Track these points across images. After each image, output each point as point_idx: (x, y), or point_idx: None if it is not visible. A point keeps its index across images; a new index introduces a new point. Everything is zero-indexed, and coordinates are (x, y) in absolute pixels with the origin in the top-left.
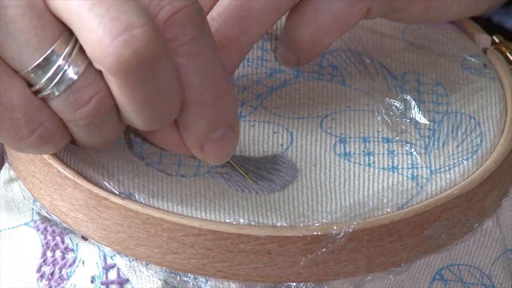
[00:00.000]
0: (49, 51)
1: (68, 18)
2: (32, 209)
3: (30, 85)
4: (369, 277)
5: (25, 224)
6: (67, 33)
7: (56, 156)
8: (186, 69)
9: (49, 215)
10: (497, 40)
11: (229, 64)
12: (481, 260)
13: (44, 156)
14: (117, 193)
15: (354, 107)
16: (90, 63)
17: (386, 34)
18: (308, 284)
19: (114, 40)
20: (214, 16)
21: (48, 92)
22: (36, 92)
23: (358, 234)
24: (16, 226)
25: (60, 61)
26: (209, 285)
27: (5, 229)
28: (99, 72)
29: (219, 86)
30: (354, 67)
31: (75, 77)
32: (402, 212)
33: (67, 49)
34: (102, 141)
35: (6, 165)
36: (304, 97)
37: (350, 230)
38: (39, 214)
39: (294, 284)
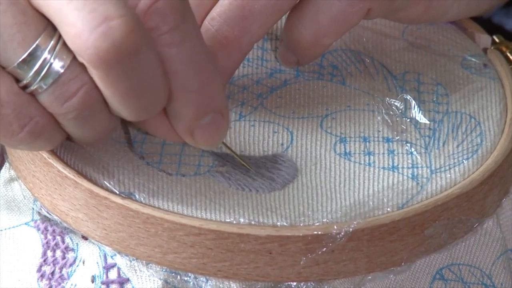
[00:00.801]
0: (33, 46)
1: (48, 12)
2: (33, 208)
3: (17, 80)
4: (370, 277)
5: (25, 223)
6: (51, 27)
7: (57, 155)
8: (170, 58)
9: (50, 214)
10: (497, 40)
11: (230, 64)
12: (481, 259)
13: (44, 155)
14: (118, 192)
15: (354, 107)
16: (75, 56)
17: (386, 34)
18: (309, 284)
19: (92, 32)
20: (215, 16)
21: (35, 87)
22: (24, 87)
23: (358, 233)
24: (17, 226)
25: (45, 55)
26: (210, 284)
27: (5, 229)
28: (84, 66)
29: (204, 73)
30: (354, 67)
31: (61, 71)
32: (403, 211)
33: (51, 43)
34: (96, 135)
35: (7, 164)
36: (304, 97)
37: (351, 229)
38: (39, 213)
39: (295, 283)
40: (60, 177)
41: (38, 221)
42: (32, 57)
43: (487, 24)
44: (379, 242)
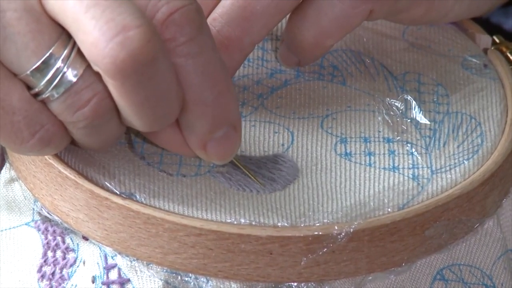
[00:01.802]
0: (47, 54)
1: (64, 21)
2: (33, 209)
3: (29, 88)
4: (370, 277)
5: (26, 224)
6: (65, 36)
7: (57, 156)
8: (185, 70)
9: (50, 215)
10: (497, 40)
11: (231, 64)
12: (482, 260)
13: (45, 156)
14: (118, 193)
15: (354, 107)
16: (88, 65)
17: (386, 34)
18: (309, 284)
19: (109, 41)
20: (216, 17)
21: (47, 95)
22: (36, 95)
23: (359, 234)
24: (17, 226)
25: (58, 64)
26: (210, 285)
27: (5, 229)
28: (98, 74)
29: (219, 85)
30: (354, 67)
31: (74, 80)
32: (403, 212)
33: (65, 52)
34: (103, 142)
35: (7, 165)
36: (305, 97)
37: (351, 230)
38: (40, 214)
39: (295, 284)
40: (61, 177)
41: (39, 222)
42: (45, 65)
43: (485, 24)
44: (380, 243)
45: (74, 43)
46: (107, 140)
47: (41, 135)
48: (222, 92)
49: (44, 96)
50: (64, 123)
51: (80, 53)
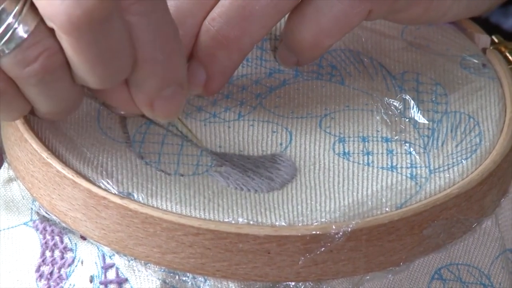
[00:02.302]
0: None
1: None
2: (31, 208)
3: None
4: (368, 277)
5: (24, 224)
6: None
7: (55, 155)
8: (138, 28)
9: (48, 214)
10: (496, 40)
11: (230, 64)
12: (480, 259)
13: (43, 155)
14: (116, 192)
15: (353, 107)
16: (40, 21)
17: (385, 34)
18: (307, 284)
19: None
20: (215, 16)
21: None
22: None
23: (357, 233)
24: (15, 226)
25: (9, 20)
26: (208, 284)
27: (4, 229)
28: (50, 30)
29: (170, 44)
30: (353, 67)
31: (25, 36)
32: (401, 211)
33: (17, 8)
34: (59, 105)
35: (5, 164)
36: (303, 97)
37: (349, 229)
38: (38, 213)
39: (293, 283)
40: (58, 177)
41: (37, 221)
42: None
43: (484, 23)
44: (378, 242)
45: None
46: (63, 103)
47: None
48: (172, 51)
49: None
50: (16, 81)
51: (31, 8)
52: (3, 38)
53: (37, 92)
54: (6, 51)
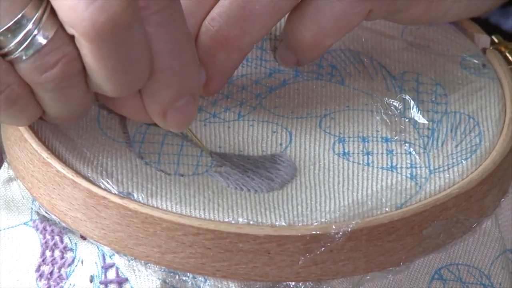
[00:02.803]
0: (19, 15)
1: None
2: (31, 208)
3: None
4: (368, 277)
5: (24, 223)
6: None
7: (55, 155)
8: (156, 38)
9: (48, 214)
10: (496, 40)
11: (230, 64)
12: (480, 260)
13: (43, 155)
14: (116, 192)
15: (353, 107)
16: (59, 28)
17: (385, 34)
18: (307, 284)
19: (90, 5)
20: (215, 16)
21: (16, 56)
22: (4, 55)
23: (357, 233)
24: (15, 226)
25: (30, 26)
26: (208, 284)
27: (4, 229)
28: (69, 37)
29: (187, 55)
30: (353, 67)
31: (44, 42)
32: (401, 211)
33: (37, 14)
34: (71, 111)
35: (5, 164)
36: (303, 97)
37: (349, 229)
38: (38, 213)
39: (293, 283)
40: (58, 177)
41: (37, 221)
42: (17, 26)
43: (484, 24)
44: (378, 242)
45: (47, 5)
46: (75, 108)
47: (7, 94)
48: (188, 62)
49: (13, 57)
50: (32, 86)
51: (52, 15)
52: (23, 44)
53: (51, 97)
54: (25, 57)
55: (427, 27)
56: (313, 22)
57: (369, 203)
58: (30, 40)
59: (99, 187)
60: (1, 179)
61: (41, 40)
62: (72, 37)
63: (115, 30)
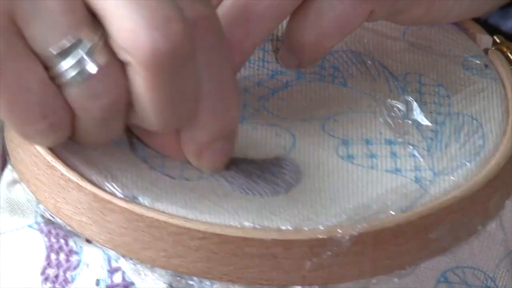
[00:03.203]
0: (75, 39)
1: (101, 6)
2: (36, 211)
3: (47, 69)
4: (374, 280)
5: (28, 226)
6: (95, 24)
7: (60, 158)
8: (204, 77)
9: (53, 218)
10: (498, 41)
11: (232, 67)
12: (485, 262)
13: (47, 158)
14: (121, 196)
15: (356, 109)
16: (112, 57)
17: (387, 35)
18: None
19: (152, 31)
20: None
21: (66, 80)
22: (54, 78)
23: (363, 237)
24: (20, 228)
25: (84, 50)
26: None
27: (8, 232)
28: (120, 67)
29: (231, 97)
30: (355, 68)
31: (96, 69)
32: (407, 215)
33: (93, 39)
34: (104, 138)
35: (9, 167)
36: (306, 99)
37: (355, 233)
38: (43, 216)
39: (299, 287)
40: (63, 180)
41: (42, 224)
42: (71, 49)
43: (483, 25)
44: (384, 246)
45: (102, 33)
46: (109, 136)
47: (52, 120)
48: (232, 104)
49: (64, 80)
50: (76, 112)
51: (106, 43)
52: (75, 68)
53: (93, 125)
54: (77, 82)
55: (428, 28)
56: (314, 23)
57: (374, 206)
58: (83, 65)
59: (105, 190)
60: (5, 182)
61: (93, 66)
62: (123, 66)
63: (175, 60)
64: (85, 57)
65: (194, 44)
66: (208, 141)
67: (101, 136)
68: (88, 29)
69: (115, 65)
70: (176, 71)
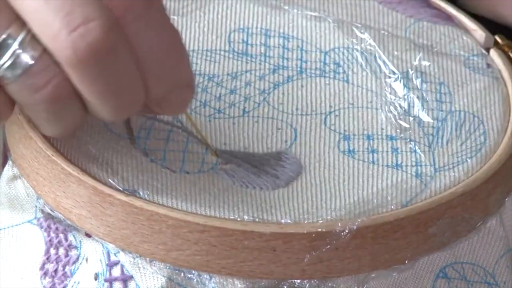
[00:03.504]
0: (4, 36)
1: (23, 10)
2: (36, 206)
3: None
4: (373, 275)
5: (28, 221)
6: (22, 19)
7: (60, 152)
8: (139, 36)
9: (53, 212)
10: (499, 40)
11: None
12: (484, 258)
13: (48, 153)
14: (121, 189)
15: (357, 105)
16: (44, 50)
17: (389, 32)
18: (312, 281)
19: (70, 33)
20: None
21: (5, 77)
22: None
23: (362, 231)
24: (20, 224)
25: (15, 46)
26: (213, 281)
27: (8, 227)
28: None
29: (175, 46)
30: (357, 65)
31: (32, 62)
32: (407, 209)
33: (22, 33)
34: (63, 128)
35: (10, 162)
36: (308, 94)
37: (355, 227)
38: (42, 211)
39: (298, 281)
40: (63, 174)
41: (41, 219)
42: (2, 47)
43: (489, 23)
44: (383, 240)
45: (29, 29)
46: (70, 126)
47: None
48: (179, 60)
49: (3, 78)
50: (24, 108)
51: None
52: (10, 64)
53: (45, 118)
54: (14, 77)
55: (431, 26)
56: None
57: (375, 201)
58: (17, 60)
59: (105, 184)
60: (6, 177)
61: (28, 59)
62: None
63: (97, 56)
64: (17, 51)
65: (119, 33)
66: (163, 96)
67: (60, 127)
68: (16, 25)
69: (49, 56)
70: (104, 64)
